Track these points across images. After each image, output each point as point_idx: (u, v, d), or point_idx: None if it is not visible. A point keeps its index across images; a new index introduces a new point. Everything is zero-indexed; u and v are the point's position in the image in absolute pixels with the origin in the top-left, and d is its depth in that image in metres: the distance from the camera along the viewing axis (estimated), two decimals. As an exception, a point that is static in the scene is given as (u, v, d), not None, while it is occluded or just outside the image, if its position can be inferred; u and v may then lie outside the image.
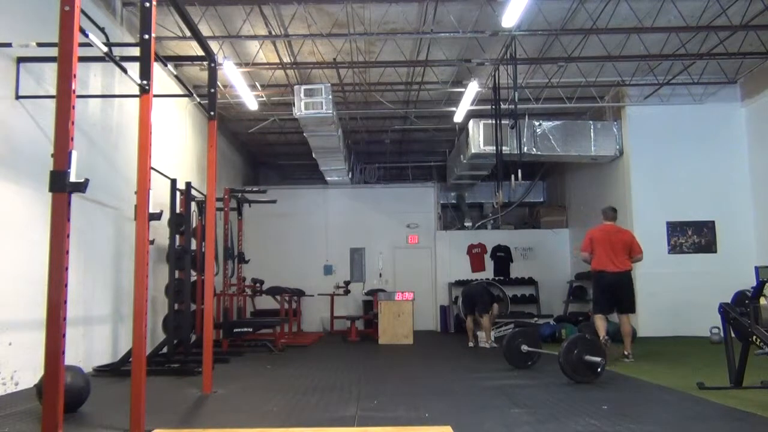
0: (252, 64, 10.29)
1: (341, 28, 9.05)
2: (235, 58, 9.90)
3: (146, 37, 3.77)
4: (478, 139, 11.78)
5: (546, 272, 14.73)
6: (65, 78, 2.89)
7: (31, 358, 5.36)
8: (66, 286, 2.82)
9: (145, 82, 3.72)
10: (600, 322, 7.54)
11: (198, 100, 7.83)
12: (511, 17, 7.61)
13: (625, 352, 7.51)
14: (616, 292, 7.62)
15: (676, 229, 11.44)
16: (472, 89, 10.21)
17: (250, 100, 10.47)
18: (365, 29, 9.11)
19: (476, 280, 14.22)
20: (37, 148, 5.71)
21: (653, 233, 11.38)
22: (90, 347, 6.95)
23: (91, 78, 7.12)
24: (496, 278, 14.57)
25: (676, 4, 8.51)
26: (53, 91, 2.96)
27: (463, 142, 12.74)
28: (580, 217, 14.52)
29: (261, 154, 16.86)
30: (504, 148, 10.95)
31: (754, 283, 5.03)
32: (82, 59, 3.12)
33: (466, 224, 16.18)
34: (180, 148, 10.47)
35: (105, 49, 4.26)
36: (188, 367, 6.59)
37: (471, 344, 10.02)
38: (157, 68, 4.54)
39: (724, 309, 5.25)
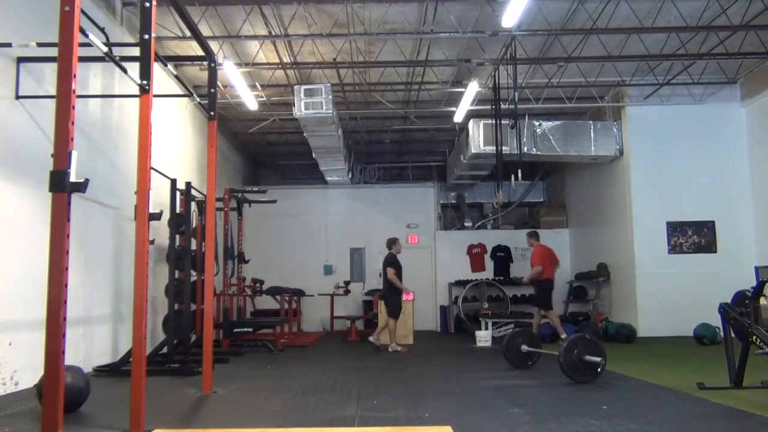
0: (252, 64, 10.29)
1: (341, 28, 9.05)
2: (235, 58, 9.90)
3: (146, 37, 3.77)
4: (478, 139, 11.78)
5: (546, 272, 14.69)
6: (65, 78, 2.89)
7: (31, 358, 5.35)
8: (66, 286, 2.82)
9: (145, 82, 3.72)
10: (557, 318, 10.17)
11: (198, 100, 7.83)
12: (511, 17, 7.61)
13: (562, 336, 9.52)
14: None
15: (676, 229, 11.44)
16: (472, 89, 10.21)
17: (250, 100, 10.47)
18: (365, 29, 9.11)
19: (476, 280, 14.23)
20: (37, 148, 5.71)
21: (653, 233, 11.40)
22: (90, 347, 6.95)
23: (91, 78, 7.11)
24: (496, 278, 14.57)
25: (676, 4, 8.51)
26: (53, 91, 2.96)
27: (463, 142, 12.74)
28: (580, 217, 14.52)
29: (261, 154, 16.86)
30: (504, 148, 10.94)
31: (754, 283, 5.03)
32: (82, 59, 3.13)
33: (466, 224, 16.17)
34: (180, 148, 10.47)
35: (105, 49, 4.26)
36: (188, 367, 6.59)
37: (390, 348, 9.41)
38: (157, 68, 4.54)
39: (724, 309, 5.25)
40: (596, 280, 12.68)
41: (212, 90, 5.47)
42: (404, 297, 10.97)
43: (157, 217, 3.76)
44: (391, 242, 9.97)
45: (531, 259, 10.35)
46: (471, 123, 11.88)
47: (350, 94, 11.89)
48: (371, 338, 9.60)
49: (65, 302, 2.80)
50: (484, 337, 10.16)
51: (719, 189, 11.36)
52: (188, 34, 6.87)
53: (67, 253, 2.84)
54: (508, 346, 6.84)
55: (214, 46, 8.43)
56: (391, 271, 9.62)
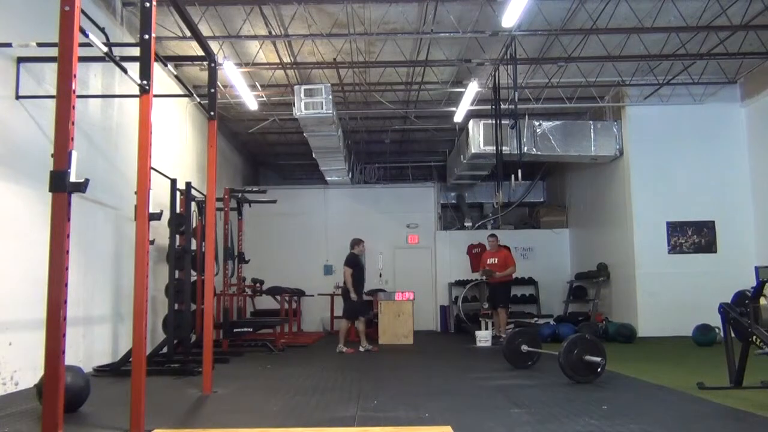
0: (252, 64, 10.29)
1: (341, 28, 9.05)
2: (235, 58, 9.89)
3: (146, 37, 3.77)
4: (478, 139, 11.78)
5: (546, 272, 14.72)
6: (65, 78, 2.89)
7: (31, 358, 5.35)
8: (66, 286, 2.82)
9: (145, 82, 3.72)
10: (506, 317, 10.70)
11: (198, 100, 7.81)
12: (511, 17, 7.61)
13: (503, 335, 9.40)
14: None
15: (676, 229, 11.44)
16: (472, 89, 10.21)
17: (250, 100, 10.47)
18: (365, 29, 9.10)
19: (477, 280, 14.22)
20: (37, 148, 5.71)
21: (653, 233, 11.40)
22: (90, 347, 6.95)
23: (91, 78, 7.11)
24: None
25: (676, 4, 8.51)
26: (53, 91, 2.96)
27: (463, 142, 12.74)
28: (580, 217, 14.53)
29: (261, 154, 16.86)
30: (504, 148, 10.94)
31: (754, 283, 5.03)
32: (82, 59, 3.13)
33: (466, 224, 16.17)
34: (180, 148, 10.46)
35: (105, 49, 4.26)
36: (188, 367, 6.59)
37: (337, 349, 9.17)
38: (157, 68, 4.54)
39: (724, 309, 5.25)
40: (596, 280, 12.69)
41: (212, 90, 5.47)
42: (403, 297, 10.99)
43: (157, 217, 3.76)
44: (355, 243, 9.82)
45: (504, 260, 10.72)
46: (471, 123, 11.88)
47: (350, 94, 11.89)
48: (361, 348, 9.41)
49: (65, 302, 2.80)
50: (484, 337, 10.15)
51: (719, 189, 11.35)
52: (188, 34, 6.87)
53: (67, 253, 2.83)
54: (508, 346, 6.85)
55: (214, 46, 8.42)
56: (348, 271, 9.44)
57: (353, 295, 9.38)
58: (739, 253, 10.89)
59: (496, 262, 10.74)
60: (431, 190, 15.83)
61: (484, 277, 10.90)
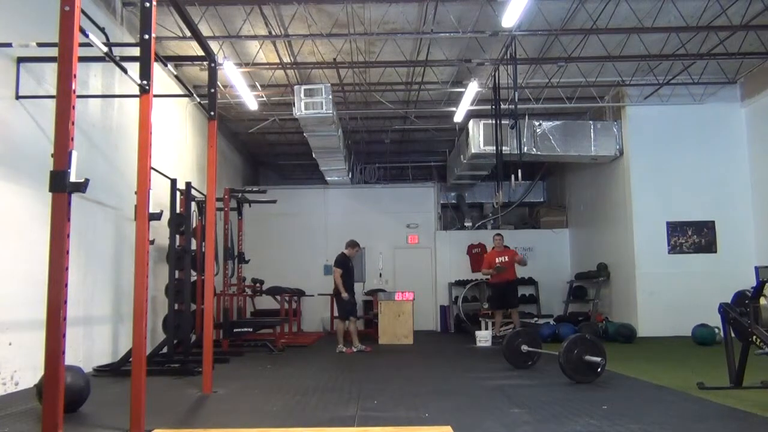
0: (252, 64, 10.29)
1: (341, 28, 9.05)
2: (235, 58, 9.89)
3: (146, 37, 3.77)
4: (478, 139, 11.78)
5: (546, 272, 14.71)
6: (65, 78, 2.89)
7: (31, 358, 5.35)
8: (66, 286, 2.82)
9: (145, 82, 3.72)
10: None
11: (198, 100, 7.82)
12: (511, 17, 7.61)
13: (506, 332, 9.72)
14: None
15: (676, 229, 11.44)
16: (472, 89, 10.22)
17: (250, 100, 10.47)
18: (365, 29, 9.11)
19: (476, 280, 14.23)
20: (37, 148, 5.71)
21: (653, 233, 11.40)
22: (90, 347, 6.95)
23: (91, 78, 7.12)
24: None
25: (676, 4, 8.51)
26: (53, 91, 2.96)
27: (463, 142, 12.74)
28: (580, 217, 14.53)
29: (261, 154, 16.86)
30: (504, 148, 10.94)
31: (754, 283, 5.03)
32: (82, 59, 3.13)
33: (466, 224, 16.17)
34: (180, 148, 10.46)
35: (105, 49, 4.25)
36: (188, 367, 6.59)
37: (352, 349, 9.31)
38: (157, 68, 4.54)
39: (724, 309, 5.25)
40: (596, 280, 12.69)
41: (212, 90, 5.47)
42: (403, 297, 11.00)
43: (157, 217, 3.76)
44: (350, 244, 9.67)
45: (513, 258, 10.74)
46: (471, 123, 11.88)
47: (350, 94, 11.89)
48: (354, 348, 9.37)
49: (65, 302, 2.81)
50: (484, 337, 10.15)
51: (719, 189, 11.36)
52: (188, 34, 6.87)
53: (67, 253, 2.84)
54: (508, 346, 6.85)
55: (214, 46, 8.42)
56: (337, 272, 9.40)
57: (344, 295, 9.33)
58: (739, 253, 10.89)
59: (506, 260, 10.67)
60: (431, 190, 15.84)
61: (487, 278, 10.91)
